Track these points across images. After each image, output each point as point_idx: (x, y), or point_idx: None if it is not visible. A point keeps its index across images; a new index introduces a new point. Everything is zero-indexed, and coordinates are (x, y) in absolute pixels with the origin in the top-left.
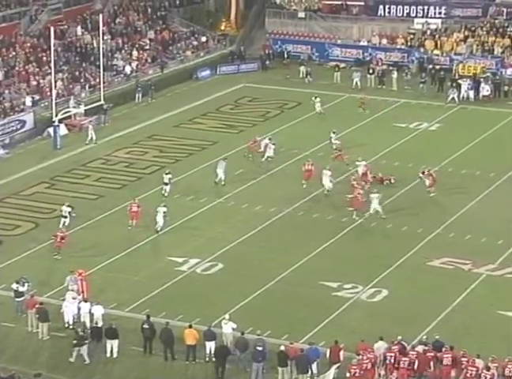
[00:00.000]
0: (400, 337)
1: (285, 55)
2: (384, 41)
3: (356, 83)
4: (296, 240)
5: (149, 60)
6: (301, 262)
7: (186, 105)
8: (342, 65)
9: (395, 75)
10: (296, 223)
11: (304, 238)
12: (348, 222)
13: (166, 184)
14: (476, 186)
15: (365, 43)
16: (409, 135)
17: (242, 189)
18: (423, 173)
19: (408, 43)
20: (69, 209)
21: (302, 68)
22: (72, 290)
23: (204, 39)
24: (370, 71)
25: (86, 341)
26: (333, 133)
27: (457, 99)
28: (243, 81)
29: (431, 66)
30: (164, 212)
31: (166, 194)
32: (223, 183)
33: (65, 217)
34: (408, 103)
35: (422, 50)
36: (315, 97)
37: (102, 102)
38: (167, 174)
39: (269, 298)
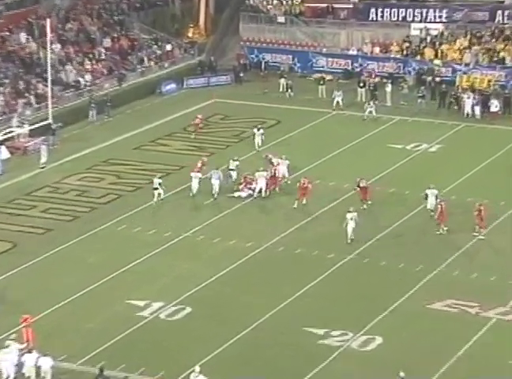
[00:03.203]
0: None
1: (263, 66)
2: (376, 49)
3: (338, 103)
4: (276, 280)
5: (105, 72)
6: (282, 305)
7: (148, 124)
8: (328, 77)
9: (389, 88)
10: (276, 259)
11: (285, 278)
12: (335, 258)
13: (232, 170)
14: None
15: (354, 52)
16: (406, 157)
17: (214, 221)
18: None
19: (405, 52)
20: (159, 181)
21: (282, 81)
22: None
23: (168, 47)
24: (361, 84)
25: None
26: (258, 129)
27: (374, 112)
28: (214, 96)
29: (430, 78)
30: (200, 178)
31: (233, 179)
32: (215, 197)
33: (156, 189)
34: (404, 120)
35: (420, 59)
36: (258, 129)
37: (50, 120)
38: (234, 160)
39: (244, 347)
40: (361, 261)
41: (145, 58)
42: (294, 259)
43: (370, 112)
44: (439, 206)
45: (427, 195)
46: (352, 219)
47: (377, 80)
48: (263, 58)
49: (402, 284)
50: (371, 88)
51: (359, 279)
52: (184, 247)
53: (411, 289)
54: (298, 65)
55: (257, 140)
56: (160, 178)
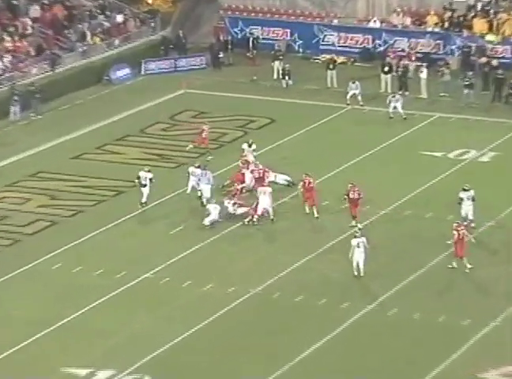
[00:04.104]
0: None
1: (251, 44)
2: (407, 21)
3: (354, 95)
4: (269, 338)
5: (32, 52)
6: (277, 374)
7: (93, 124)
8: (340, 59)
9: (425, 75)
10: (269, 311)
11: (282, 336)
12: (351, 309)
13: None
14: None
15: (377, 25)
16: (448, 170)
17: (183, 257)
18: None
19: (446, 25)
20: (150, 175)
21: (276, 64)
22: None
23: (120, 18)
24: (386, 69)
25: None
26: (249, 145)
27: (400, 108)
28: (184, 86)
29: (483, 60)
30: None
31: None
32: (205, 204)
33: (145, 186)
34: (445, 118)
35: (467, 34)
36: (249, 145)
37: None
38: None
39: None
40: (386, 313)
41: (88, 33)
42: (293, 310)
43: (396, 107)
44: (456, 232)
45: (461, 199)
46: (359, 246)
47: (407, 63)
48: (251, 34)
49: (444, 345)
50: (400, 73)
51: (384, 338)
52: (142, 294)
53: (455, 351)
54: (299, 42)
55: (249, 158)
56: (149, 171)
